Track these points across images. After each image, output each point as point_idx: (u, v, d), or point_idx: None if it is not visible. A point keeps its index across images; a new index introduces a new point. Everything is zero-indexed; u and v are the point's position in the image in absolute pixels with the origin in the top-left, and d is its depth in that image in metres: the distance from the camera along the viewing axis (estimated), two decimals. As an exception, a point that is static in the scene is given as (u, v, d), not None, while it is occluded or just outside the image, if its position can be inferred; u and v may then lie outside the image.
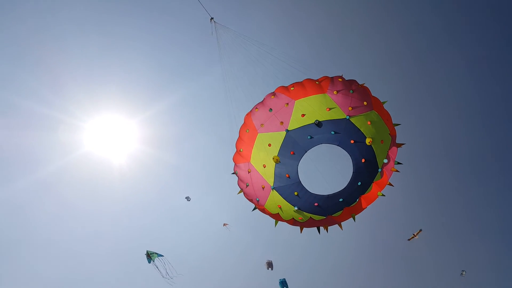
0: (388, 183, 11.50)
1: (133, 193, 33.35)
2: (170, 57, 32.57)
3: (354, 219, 11.92)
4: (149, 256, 18.06)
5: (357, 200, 11.57)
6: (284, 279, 19.01)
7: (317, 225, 12.18)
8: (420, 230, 19.95)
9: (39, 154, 30.80)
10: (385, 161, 11.12)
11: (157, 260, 18.11)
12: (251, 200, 12.51)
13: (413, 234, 20.18)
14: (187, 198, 25.97)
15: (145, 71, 32.00)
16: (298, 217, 11.85)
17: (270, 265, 21.68)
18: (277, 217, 12.19)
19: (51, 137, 30.37)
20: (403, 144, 11.43)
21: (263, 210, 12.35)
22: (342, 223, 12.14)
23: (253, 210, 12.70)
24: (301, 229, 12.42)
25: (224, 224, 26.14)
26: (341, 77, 11.32)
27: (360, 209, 11.89)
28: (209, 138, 33.80)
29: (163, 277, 17.94)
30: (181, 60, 32.64)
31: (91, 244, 32.18)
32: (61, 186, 31.91)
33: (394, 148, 11.32)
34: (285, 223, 12.32)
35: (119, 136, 32.83)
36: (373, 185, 11.45)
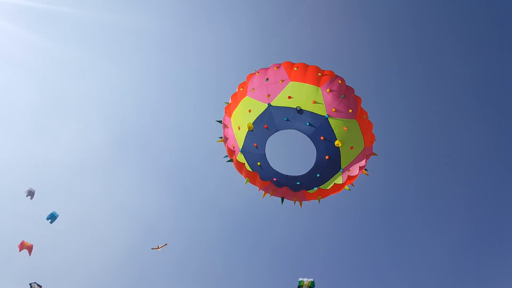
0: (352, 184, 12.27)
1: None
2: None
3: (319, 201, 12.66)
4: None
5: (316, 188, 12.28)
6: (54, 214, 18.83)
7: (287, 196, 12.83)
8: (165, 244, 20.64)
9: None
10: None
11: None
12: (228, 150, 13.08)
13: (158, 246, 20.90)
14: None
15: None
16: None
17: (30, 193, 20.16)
18: (253, 176, 12.62)
19: None
20: (375, 154, 12.32)
21: (241, 167, 12.69)
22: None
23: (228, 161, 13.35)
24: (270, 194, 12.92)
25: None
26: (341, 79, 11.57)
27: (328, 193, 12.55)
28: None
29: None
30: None
31: None
32: None
33: (368, 155, 12.03)
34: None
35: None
36: (347, 179, 12.06)
